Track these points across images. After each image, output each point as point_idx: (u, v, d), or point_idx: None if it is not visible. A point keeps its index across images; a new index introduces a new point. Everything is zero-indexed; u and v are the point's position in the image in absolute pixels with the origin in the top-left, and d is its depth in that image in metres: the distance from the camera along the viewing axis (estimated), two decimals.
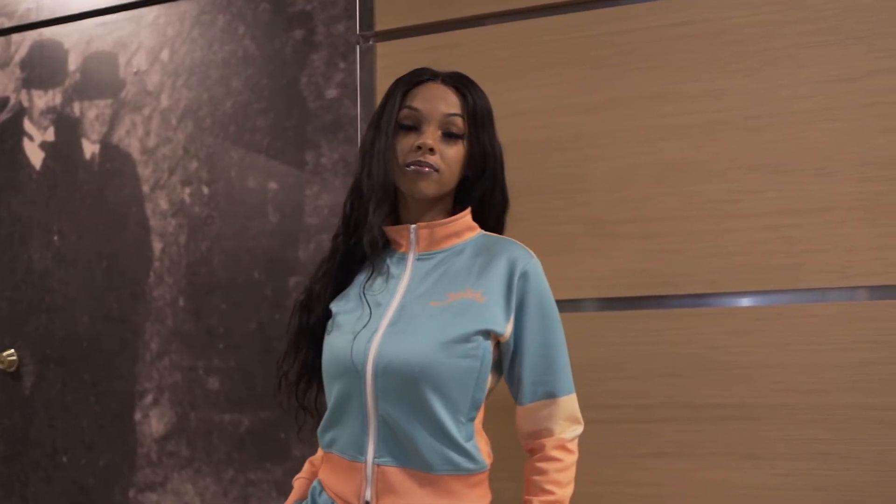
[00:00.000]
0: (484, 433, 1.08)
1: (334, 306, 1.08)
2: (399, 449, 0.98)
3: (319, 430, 1.06)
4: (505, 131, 1.19)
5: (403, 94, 1.09)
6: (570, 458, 1.05)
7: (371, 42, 1.52)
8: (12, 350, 1.95)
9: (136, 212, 1.86)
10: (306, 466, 1.19)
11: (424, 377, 0.95)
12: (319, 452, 1.17)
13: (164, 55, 1.86)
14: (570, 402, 1.06)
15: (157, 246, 1.83)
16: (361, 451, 0.99)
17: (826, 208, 1.22)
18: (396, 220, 1.13)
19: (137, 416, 1.82)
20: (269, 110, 1.73)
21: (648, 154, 1.32)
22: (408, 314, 1.01)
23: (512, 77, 1.41)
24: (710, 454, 1.25)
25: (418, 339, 0.97)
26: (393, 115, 1.07)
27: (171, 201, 1.83)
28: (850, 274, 1.21)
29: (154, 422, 1.81)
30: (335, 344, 1.03)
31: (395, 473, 0.98)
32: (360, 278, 1.10)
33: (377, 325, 1.01)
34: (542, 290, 1.05)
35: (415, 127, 1.08)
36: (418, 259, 1.09)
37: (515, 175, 1.36)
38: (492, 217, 1.17)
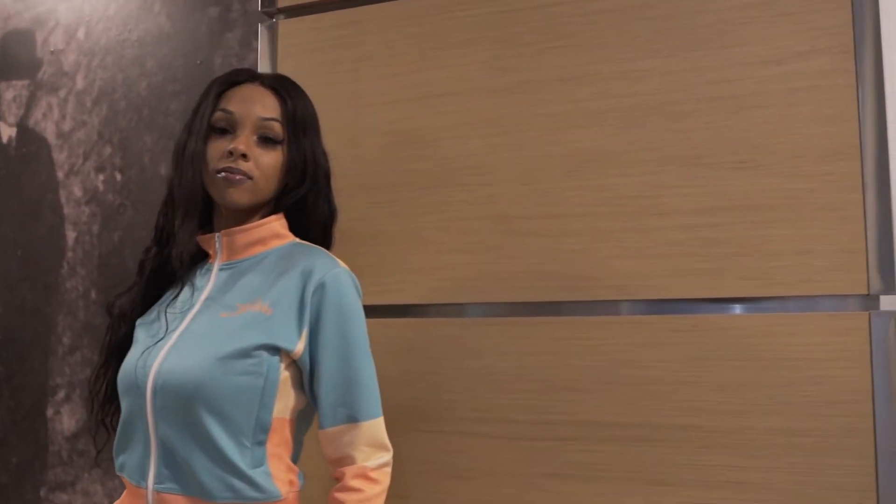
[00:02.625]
0: (289, 460, 0.96)
1: (138, 321, 0.98)
2: (180, 474, 0.88)
3: (114, 452, 0.96)
4: (408, 117, 1.07)
5: (218, 96, 0.99)
6: (373, 489, 0.94)
7: (274, 20, 1.40)
8: None
9: (51, 199, 1.76)
10: None
11: (198, 396, 0.85)
12: None
13: (81, 33, 1.75)
14: (374, 427, 0.96)
15: (71, 235, 1.74)
16: (144, 475, 0.90)
17: (749, 206, 1.08)
18: (212, 229, 1.03)
19: (49, 412, 1.74)
20: (181, 93, 1.62)
21: (560, 143, 1.19)
22: (196, 328, 0.91)
23: (419, 57, 1.28)
24: (611, 478, 1.12)
25: (196, 355, 0.87)
26: (206, 118, 0.96)
27: (85, 188, 1.73)
28: (774, 282, 1.07)
29: (66, 419, 1.72)
30: (126, 361, 0.94)
31: (176, 500, 0.87)
32: (169, 293, 1.00)
33: (167, 341, 0.91)
34: (343, 303, 0.94)
35: (228, 131, 0.97)
36: (221, 269, 0.99)
37: (416, 165, 1.25)
38: (315, 227, 1.07)
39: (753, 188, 1.08)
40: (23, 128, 1.81)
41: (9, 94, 1.83)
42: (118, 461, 0.96)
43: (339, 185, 1.12)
